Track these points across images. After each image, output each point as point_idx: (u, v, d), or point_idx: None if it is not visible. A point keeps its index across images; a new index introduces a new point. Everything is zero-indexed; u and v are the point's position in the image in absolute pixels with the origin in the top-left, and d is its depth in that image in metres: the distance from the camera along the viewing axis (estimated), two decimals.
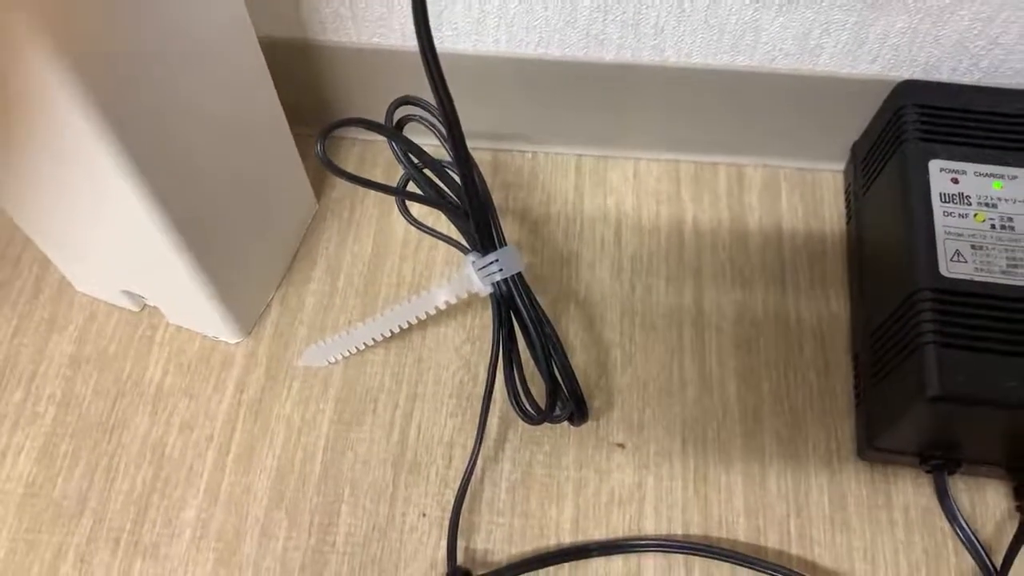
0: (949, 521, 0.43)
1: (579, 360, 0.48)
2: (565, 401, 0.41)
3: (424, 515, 0.44)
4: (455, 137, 0.34)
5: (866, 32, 0.45)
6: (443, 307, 0.43)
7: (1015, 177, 0.42)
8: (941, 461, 0.42)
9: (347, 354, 0.47)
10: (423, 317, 0.44)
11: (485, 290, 0.40)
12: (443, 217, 0.42)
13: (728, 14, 0.45)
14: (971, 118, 0.44)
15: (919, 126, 0.44)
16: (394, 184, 0.41)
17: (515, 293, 0.39)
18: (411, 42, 0.30)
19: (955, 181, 0.42)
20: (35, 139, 0.35)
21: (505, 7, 0.46)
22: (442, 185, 0.41)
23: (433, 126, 0.40)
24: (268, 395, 0.47)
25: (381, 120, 0.40)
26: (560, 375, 0.40)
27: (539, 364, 0.40)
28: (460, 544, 0.43)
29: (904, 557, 0.42)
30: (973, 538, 0.41)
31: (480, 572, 0.42)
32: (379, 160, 0.55)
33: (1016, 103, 0.44)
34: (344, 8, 0.47)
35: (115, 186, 0.36)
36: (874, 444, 0.43)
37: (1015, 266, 0.40)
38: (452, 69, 0.32)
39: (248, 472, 0.45)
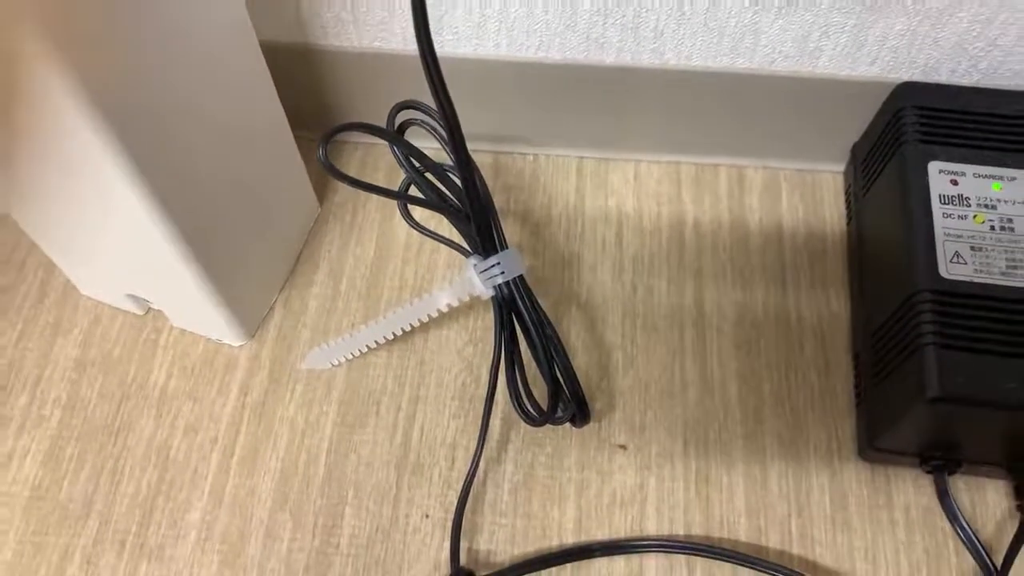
0: (950, 521, 0.43)
1: (581, 362, 0.48)
2: (567, 403, 0.42)
3: (427, 516, 0.44)
4: (456, 141, 0.35)
5: (865, 34, 0.45)
6: (445, 310, 0.43)
7: (1014, 178, 0.42)
8: (941, 461, 0.42)
9: (350, 357, 0.47)
10: (425, 320, 0.44)
11: (487, 293, 0.40)
12: (445, 220, 0.43)
13: (727, 17, 0.45)
14: (970, 120, 0.44)
15: (918, 128, 0.44)
16: (396, 188, 0.42)
17: (517, 295, 0.40)
18: (412, 46, 0.30)
19: (954, 183, 0.42)
20: (39, 146, 0.36)
21: (505, 11, 0.46)
22: (443, 188, 0.41)
23: (434, 130, 0.40)
24: (272, 398, 0.47)
25: (383, 124, 0.40)
26: (562, 377, 0.40)
27: (541, 366, 0.40)
28: (463, 545, 0.43)
29: (905, 557, 0.43)
30: (974, 538, 0.42)
31: (483, 573, 0.42)
32: (381, 164, 0.55)
33: (1015, 104, 0.44)
34: (345, 12, 0.47)
35: (119, 192, 0.36)
36: (875, 444, 0.43)
37: (1014, 267, 0.40)
38: (453, 73, 0.32)
39: (252, 474, 0.45)
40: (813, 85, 0.48)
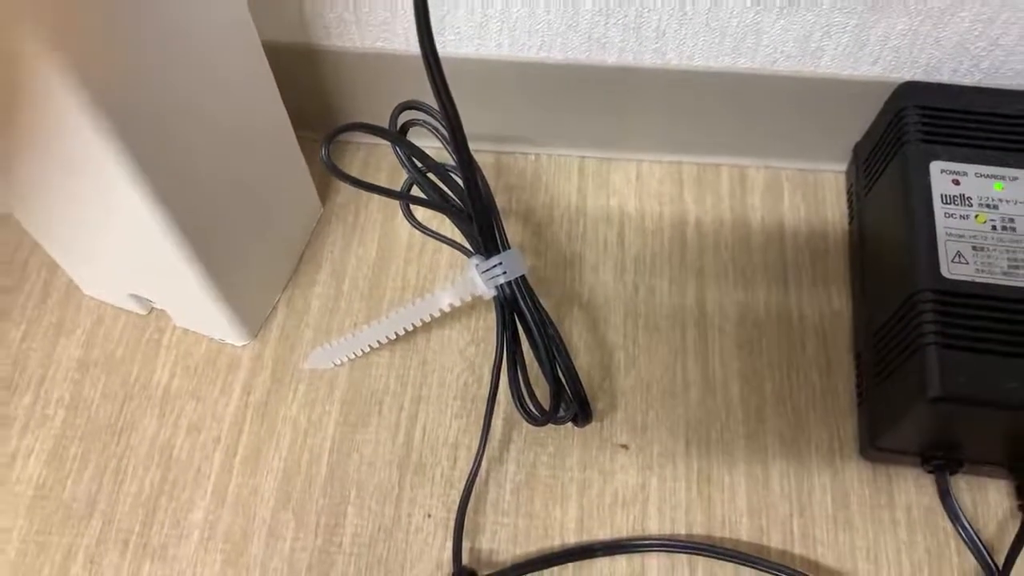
0: (951, 521, 0.43)
1: (583, 362, 0.48)
2: (569, 402, 0.42)
3: (429, 516, 0.44)
4: (458, 141, 0.35)
5: (867, 34, 0.45)
6: (447, 310, 0.43)
7: (1016, 178, 0.42)
8: (943, 461, 0.42)
9: (352, 356, 0.47)
10: (427, 320, 0.44)
11: (489, 293, 0.40)
12: (447, 220, 0.43)
13: (729, 17, 0.45)
14: (972, 119, 0.44)
15: (920, 127, 0.44)
16: (398, 188, 0.42)
17: (519, 296, 0.40)
18: (415, 46, 0.30)
19: (956, 182, 0.42)
20: (41, 146, 0.36)
21: (507, 11, 0.46)
22: (446, 189, 0.41)
23: (436, 130, 0.41)
24: (274, 397, 0.47)
25: (385, 124, 0.40)
26: (564, 376, 0.40)
27: (543, 366, 0.40)
28: (465, 544, 0.43)
29: (907, 556, 0.43)
30: (975, 537, 0.42)
31: (485, 572, 0.42)
32: (383, 164, 0.55)
33: (1017, 104, 0.44)
34: (348, 13, 0.47)
35: (121, 191, 0.36)
36: (876, 444, 0.43)
37: (1016, 267, 0.40)
38: (455, 73, 0.32)
39: (255, 474, 0.45)
40: (815, 85, 0.48)
